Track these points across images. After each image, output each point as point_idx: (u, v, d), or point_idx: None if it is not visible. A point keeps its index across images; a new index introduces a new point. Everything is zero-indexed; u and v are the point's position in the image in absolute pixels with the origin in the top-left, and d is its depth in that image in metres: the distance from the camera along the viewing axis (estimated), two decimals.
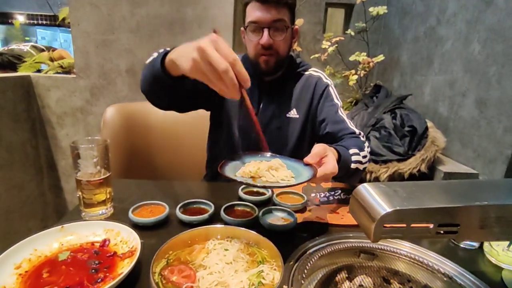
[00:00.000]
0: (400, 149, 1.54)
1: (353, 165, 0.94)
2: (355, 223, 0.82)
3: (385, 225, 0.47)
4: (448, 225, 0.48)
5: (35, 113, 1.93)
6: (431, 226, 0.48)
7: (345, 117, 1.13)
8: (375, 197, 0.50)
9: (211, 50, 0.58)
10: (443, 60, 1.84)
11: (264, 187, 0.63)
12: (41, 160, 2.02)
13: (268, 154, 0.78)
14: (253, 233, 0.62)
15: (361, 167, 0.97)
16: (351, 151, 0.96)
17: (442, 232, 0.48)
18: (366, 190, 0.53)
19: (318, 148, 0.76)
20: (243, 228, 0.64)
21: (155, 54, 0.87)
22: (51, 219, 2.04)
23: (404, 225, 0.48)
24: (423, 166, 1.49)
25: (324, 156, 0.76)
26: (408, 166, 1.50)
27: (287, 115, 1.15)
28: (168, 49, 0.80)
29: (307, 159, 0.73)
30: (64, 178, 2.10)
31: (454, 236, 0.49)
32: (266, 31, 1.01)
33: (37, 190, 1.99)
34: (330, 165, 0.74)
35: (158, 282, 0.54)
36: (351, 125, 1.12)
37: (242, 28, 1.09)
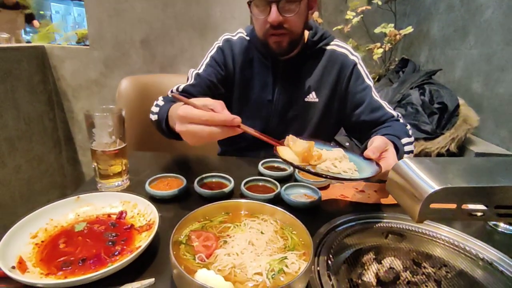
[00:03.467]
0: (428, 127, 1.44)
1: (405, 156, 0.85)
2: (382, 202, 0.78)
3: (432, 205, 0.42)
4: (506, 207, 0.42)
5: (51, 85, 1.92)
6: (486, 207, 0.42)
7: (381, 100, 1.00)
8: (419, 174, 0.45)
9: (184, 130, 0.58)
10: (480, 32, 1.68)
11: (326, 177, 0.58)
12: (59, 133, 2.03)
13: (328, 143, 0.73)
14: (286, 213, 0.57)
15: (412, 156, 0.89)
16: (403, 140, 0.86)
17: (499, 214, 0.42)
18: (408, 166, 0.48)
19: (379, 141, 0.69)
20: (271, 205, 0.59)
21: (156, 109, 0.87)
22: (70, 191, 2.09)
23: (454, 205, 0.42)
24: (453, 146, 1.39)
25: (385, 151, 0.70)
26: (436, 145, 1.40)
27: (305, 99, 1.02)
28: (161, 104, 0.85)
29: (368, 153, 0.66)
30: (81, 151, 2.13)
31: None
32: (274, 7, 0.83)
33: (56, 162, 2.02)
34: (392, 161, 0.68)
35: (182, 240, 0.52)
36: (389, 108, 0.99)
37: (247, 2, 0.89)
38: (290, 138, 0.65)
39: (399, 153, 0.80)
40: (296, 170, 0.85)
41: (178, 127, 0.59)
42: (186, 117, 0.57)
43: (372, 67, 2.22)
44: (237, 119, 0.57)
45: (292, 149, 0.63)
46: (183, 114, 0.57)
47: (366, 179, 0.61)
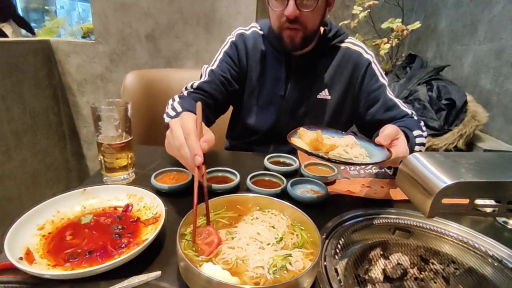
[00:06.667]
0: (436, 123, 1.42)
1: (417, 148, 0.85)
2: (389, 198, 0.77)
3: (443, 200, 0.41)
4: None
5: (56, 79, 1.92)
6: (499, 203, 0.41)
7: (395, 99, 0.99)
8: (430, 168, 0.44)
9: (175, 127, 0.58)
10: (490, 27, 1.65)
11: (337, 162, 0.60)
12: (64, 127, 2.04)
13: (338, 131, 0.75)
14: (296, 209, 0.56)
15: (423, 149, 0.89)
16: (415, 132, 0.86)
17: (511, 210, 0.41)
18: (419, 161, 0.47)
19: (390, 129, 0.70)
20: (281, 200, 0.59)
21: (172, 113, 0.85)
22: (75, 185, 2.10)
23: (467, 200, 0.41)
24: (461, 142, 1.38)
25: (396, 139, 0.70)
26: (444, 141, 1.39)
27: (318, 96, 1.01)
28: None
29: (379, 139, 0.67)
30: (86, 146, 2.14)
31: None
32: (292, 0, 0.83)
33: (61, 156, 2.03)
34: (403, 148, 0.68)
35: (187, 237, 0.51)
36: (403, 106, 0.98)
37: None
38: (301, 130, 0.67)
39: (410, 143, 0.80)
40: (303, 165, 0.84)
41: (172, 121, 0.59)
42: (181, 118, 0.57)
43: (379, 63, 2.19)
44: (199, 160, 0.53)
45: (303, 140, 0.66)
46: (184, 115, 0.58)
47: (377, 164, 0.63)
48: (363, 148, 0.68)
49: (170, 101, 0.90)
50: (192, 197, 0.52)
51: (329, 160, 0.60)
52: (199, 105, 0.61)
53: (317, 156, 0.60)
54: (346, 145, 0.66)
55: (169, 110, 0.86)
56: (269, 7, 0.90)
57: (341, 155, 0.64)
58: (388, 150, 0.65)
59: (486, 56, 1.66)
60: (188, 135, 0.54)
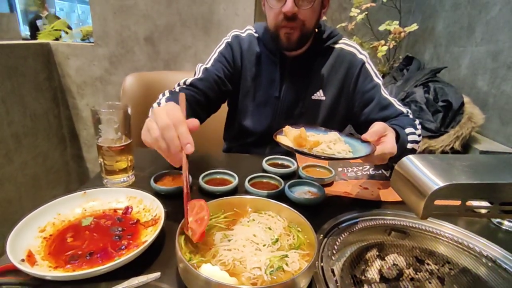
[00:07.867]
0: (432, 125, 1.43)
1: (409, 145, 0.85)
2: (386, 199, 0.78)
3: (436, 201, 0.42)
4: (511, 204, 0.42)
5: (56, 82, 1.93)
6: (491, 204, 0.42)
7: (390, 98, 0.99)
8: (424, 170, 0.45)
9: (159, 111, 0.56)
10: (487, 29, 1.66)
11: (319, 157, 0.62)
12: (64, 130, 2.05)
13: (323, 128, 0.76)
14: (293, 211, 0.57)
15: (416, 147, 0.89)
16: (407, 130, 0.86)
17: (504, 211, 0.42)
18: (413, 163, 0.48)
19: (378, 126, 0.70)
20: (277, 202, 0.59)
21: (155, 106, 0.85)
22: (75, 187, 2.10)
23: (459, 202, 0.42)
24: (457, 144, 1.39)
25: (384, 135, 0.70)
26: (441, 143, 1.40)
27: (312, 97, 1.02)
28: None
29: (366, 136, 0.68)
30: (86, 148, 2.14)
31: None
32: None
33: (61, 159, 2.03)
34: (390, 144, 0.68)
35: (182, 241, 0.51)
36: (398, 105, 0.98)
37: None
38: (286, 128, 0.69)
39: (401, 140, 0.80)
40: (300, 167, 0.85)
41: (157, 108, 0.58)
42: (167, 106, 0.57)
43: (376, 65, 2.20)
44: (190, 149, 0.54)
45: (288, 137, 0.68)
46: (169, 105, 0.58)
47: (358, 158, 0.64)
48: (347, 144, 0.69)
49: (160, 96, 0.90)
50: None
51: (311, 155, 0.61)
52: (182, 96, 0.61)
53: (301, 152, 0.62)
54: (329, 141, 0.67)
55: (155, 105, 0.86)
56: (266, 6, 0.91)
57: (324, 150, 0.65)
58: (374, 146, 0.67)
59: (483, 58, 1.67)
60: (180, 123, 0.54)
